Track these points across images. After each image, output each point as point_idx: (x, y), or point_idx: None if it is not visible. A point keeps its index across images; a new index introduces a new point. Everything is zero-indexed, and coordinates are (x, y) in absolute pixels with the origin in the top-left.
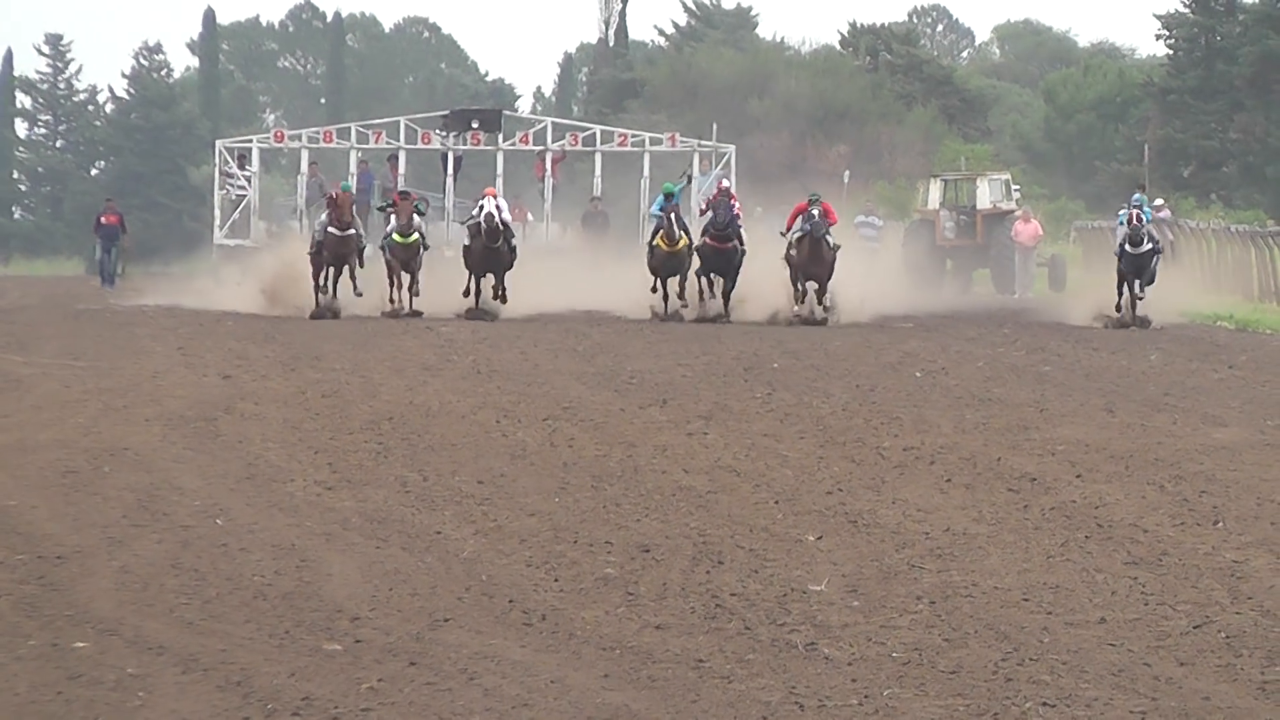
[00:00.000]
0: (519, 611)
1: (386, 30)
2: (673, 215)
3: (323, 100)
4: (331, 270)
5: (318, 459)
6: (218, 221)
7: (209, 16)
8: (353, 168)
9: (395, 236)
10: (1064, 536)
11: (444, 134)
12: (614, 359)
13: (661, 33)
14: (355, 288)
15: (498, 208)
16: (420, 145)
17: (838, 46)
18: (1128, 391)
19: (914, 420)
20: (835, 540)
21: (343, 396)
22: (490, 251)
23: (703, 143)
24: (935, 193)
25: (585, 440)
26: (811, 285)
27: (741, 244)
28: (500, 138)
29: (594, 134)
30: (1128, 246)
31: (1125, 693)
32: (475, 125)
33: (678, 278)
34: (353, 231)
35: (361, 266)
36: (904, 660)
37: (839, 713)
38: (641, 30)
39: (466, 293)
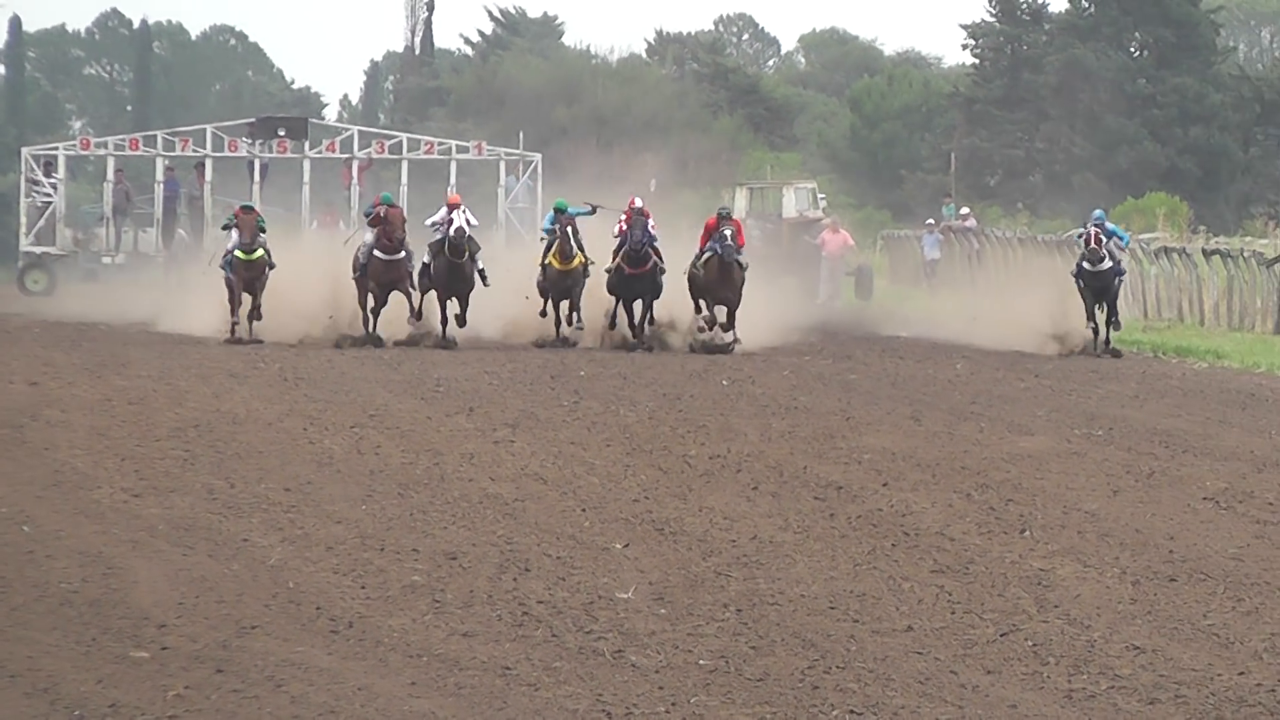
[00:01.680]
0: (326, 619)
1: (193, 38)
2: (569, 229)
3: (129, 108)
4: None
5: (124, 466)
6: (24, 229)
7: (15, 24)
8: (159, 175)
9: (238, 253)
10: (870, 545)
11: (251, 142)
12: (420, 366)
13: (468, 41)
14: (412, 312)
15: (467, 221)
16: (227, 153)
17: (644, 55)
18: (934, 400)
19: (720, 428)
20: (642, 548)
21: (149, 404)
22: (455, 269)
23: (509, 151)
24: (741, 201)
25: (392, 448)
26: (721, 310)
27: (661, 264)
28: (307, 145)
29: (400, 142)
30: (1086, 265)
31: (932, 701)
32: (282, 133)
33: (569, 300)
34: (403, 254)
35: (486, 284)
36: (711, 668)
37: (648, 718)
38: (447, 39)
39: (419, 315)
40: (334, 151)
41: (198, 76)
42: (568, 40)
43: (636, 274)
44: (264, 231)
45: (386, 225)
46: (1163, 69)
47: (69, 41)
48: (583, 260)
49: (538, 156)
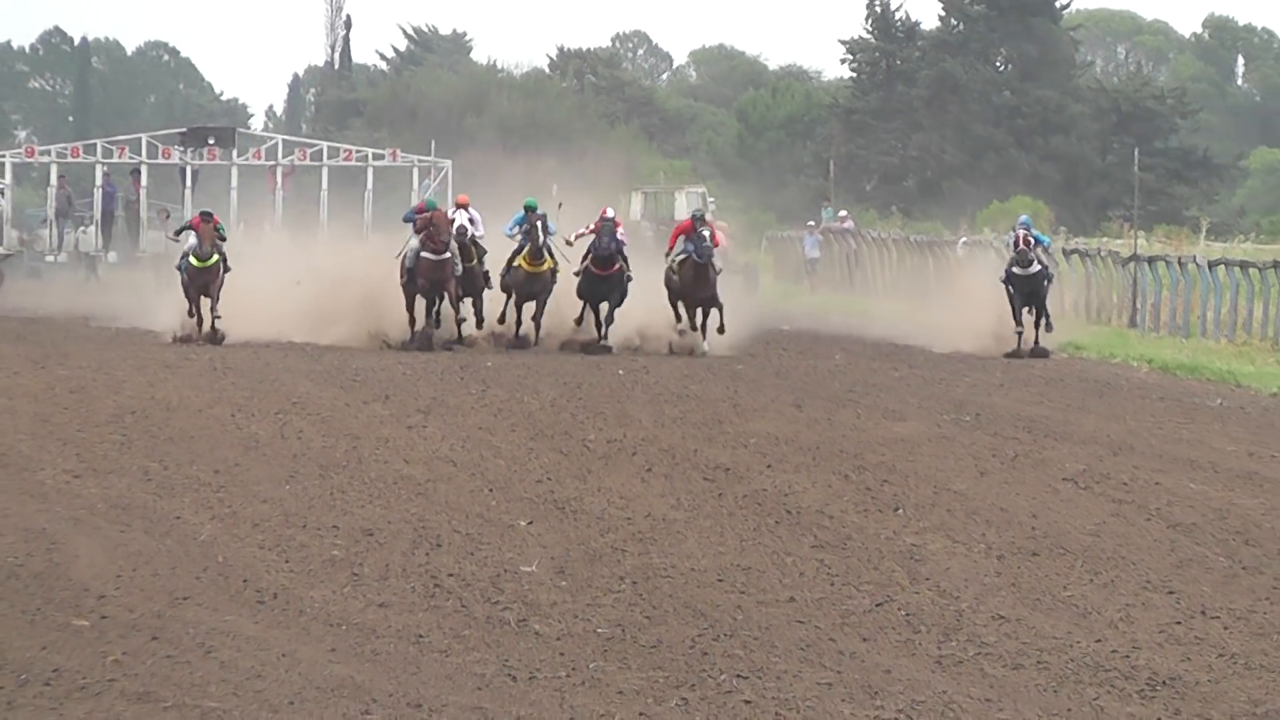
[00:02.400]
0: (252, 590)
1: (129, 53)
2: (539, 226)
3: (70, 118)
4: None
5: (66, 449)
6: None
7: None
8: (98, 181)
9: (193, 259)
10: (755, 522)
11: (183, 149)
12: (339, 357)
13: (383, 57)
14: (456, 313)
15: (471, 220)
16: (161, 160)
17: (547, 69)
18: (814, 389)
19: (617, 415)
20: (545, 525)
21: (89, 392)
22: (466, 272)
23: (422, 158)
24: (637, 204)
25: (313, 433)
26: (700, 313)
27: (627, 268)
28: (235, 153)
29: (321, 150)
30: (1015, 269)
31: (812, 666)
32: (211, 141)
33: (535, 303)
34: (449, 255)
35: (489, 286)
36: (608, 636)
37: (548, 684)
38: (364, 54)
39: (413, 322)
40: (260, 159)
41: (133, 89)
42: (476, 55)
43: (604, 275)
44: (224, 240)
45: (433, 228)
46: (1026, 82)
47: (14, 57)
48: (552, 265)
49: (448, 163)
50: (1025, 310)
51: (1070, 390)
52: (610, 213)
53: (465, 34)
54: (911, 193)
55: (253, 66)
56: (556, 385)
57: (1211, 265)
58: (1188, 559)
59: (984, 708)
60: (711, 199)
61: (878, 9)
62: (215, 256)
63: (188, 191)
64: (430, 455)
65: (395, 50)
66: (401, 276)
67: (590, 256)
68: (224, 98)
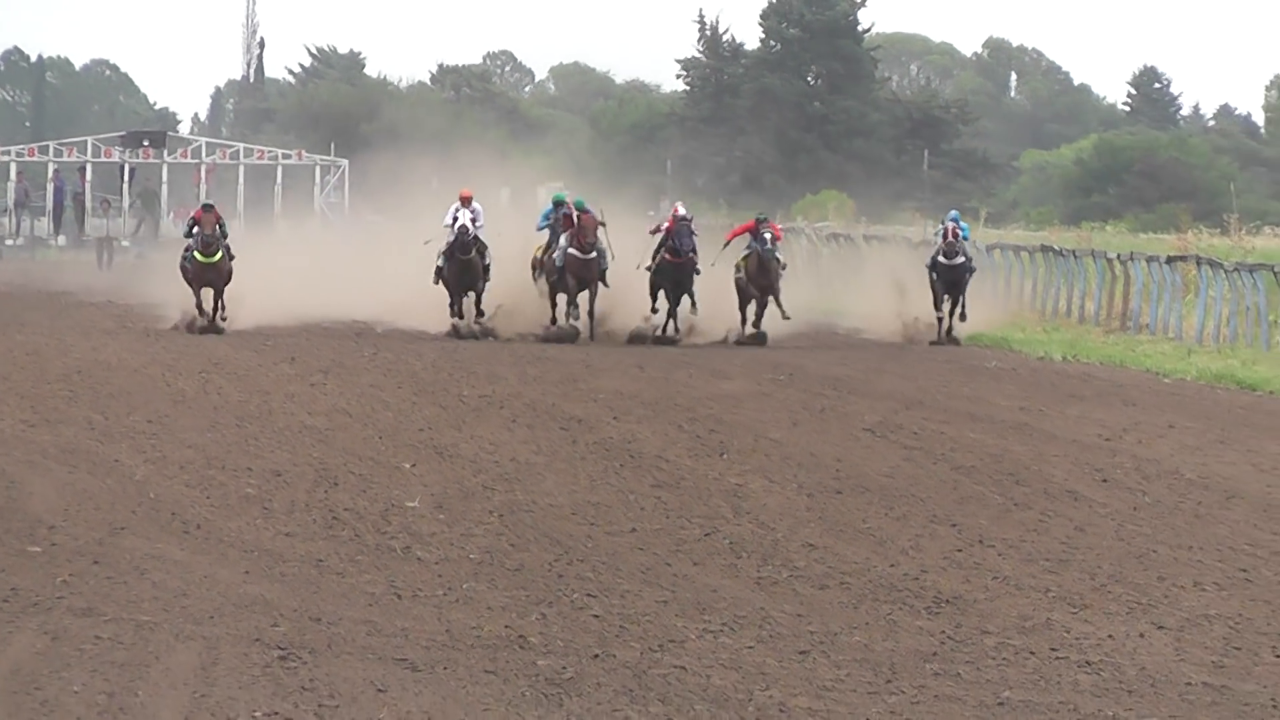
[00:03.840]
0: (179, 522)
1: (78, 69)
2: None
3: (27, 124)
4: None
5: (22, 403)
6: None
7: None
8: (50, 176)
9: (197, 255)
10: (603, 465)
11: (122, 150)
12: (252, 326)
13: (291, 71)
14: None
15: (472, 220)
16: (103, 159)
17: (429, 83)
18: (654, 354)
19: (487, 374)
20: (426, 467)
21: (42, 354)
22: (466, 265)
23: (323, 158)
24: (505, 196)
25: (231, 389)
26: (756, 305)
27: (698, 260)
28: (166, 153)
29: (239, 150)
30: (941, 259)
31: (651, 586)
32: (146, 143)
33: (588, 291)
34: (594, 254)
35: (488, 279)
36: (479, 561)
37: (428, 601)
38: (275, 69)
39: (455, 313)
40: (187, 158)
41: (81, 99)
42: (369, 71)
43: (676, 262)
44: (226, 235)
45: (580, 230)
46: (834, 94)
47: None
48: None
49: (345, 162)
50: (945, 299)
51: (869, 354)
52: (682, 210)
53: (360, 53)
54: (736, 187)
55: (181, 80)
56: (436, 350)
57: (989, 249)
58: (968, 496)
59: (795, 621)
60: (566, 191)
61: (708, 32)
62: (220, 253)
63: (125, 186)
64: (329, 408)
65: (301, 66)
66: (551, 274)
67: (666, 250)
68: (157, 106)
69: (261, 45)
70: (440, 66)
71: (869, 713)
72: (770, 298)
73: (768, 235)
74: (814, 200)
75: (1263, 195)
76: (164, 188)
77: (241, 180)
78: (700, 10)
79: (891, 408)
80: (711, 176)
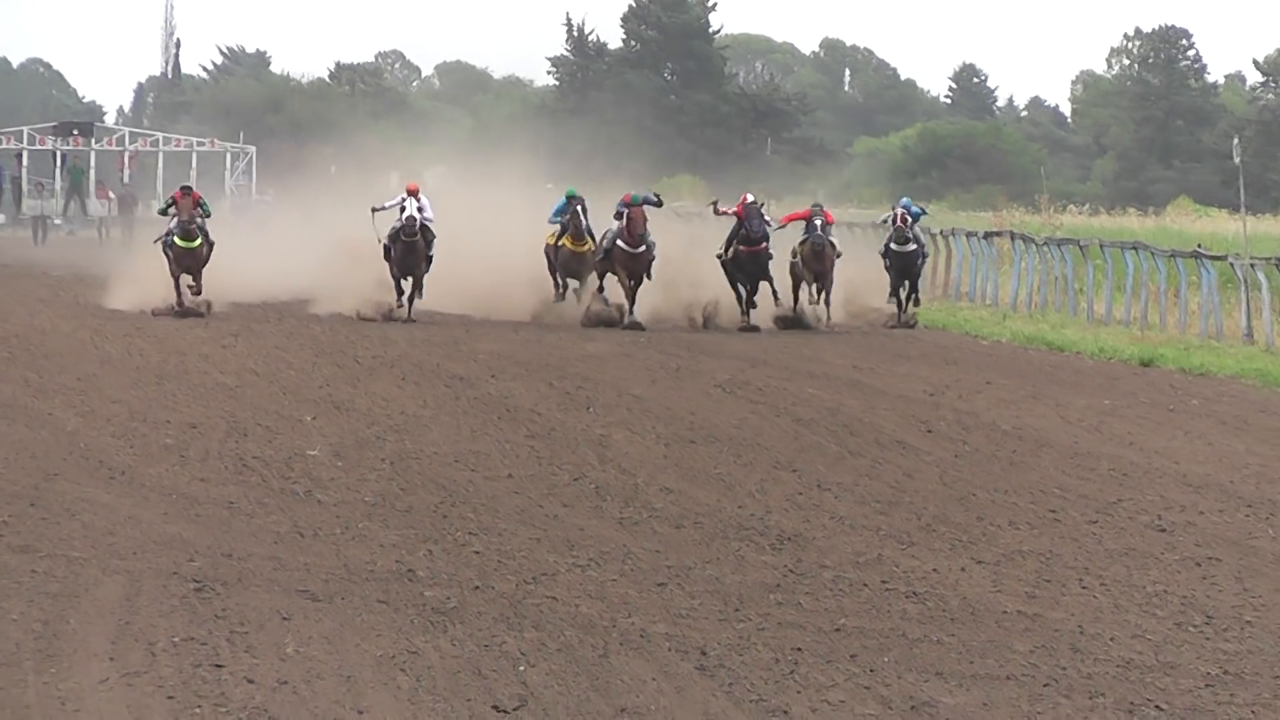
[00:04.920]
0: (106, 469)
1: (15, 66)
2: (580, 211)
3: None
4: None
5: None
6: None
7: None
8: None
9: (178, 240)
10: (483, 418)
11: (55, 138)
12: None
13: (204, 68)
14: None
15: (419, 209)
16: (38, 146)
17: (327, 79)
18: (528, 321)
19: (379, 337)
20: (325, 420)
21: None
22: (409, 247)
23: (233, 145)
24: (394, 179)
25: (151, 350)
26: (817, 288)
27: (769, 248)
28: (94, 141)
29: (158, 139)
30: (893, 245)
31: (526, 526)
32: (76, 132)
33: (577, 279)
34: (643, 248)
35: (649, 277)
36: (373, 503)
37: (328, 539)
38: (191, 66)
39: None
40: (112, 145)
41: (18, 94)
42: (274, 68)
43: (753, 252)
44: (208, 215)
45: (630, 222)
46: (687, 88)
47: None
48: (592, 246)
49: (252, 149)
50: (900, 286)
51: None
52: (751, 198)
53: (266, 52)
54: (601, 171)
55: (107, 77)
56: (334, 315)
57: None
58: (807, 445)
59: (654, 556)
60: (447, 170)
61: (575, 33)
62: (199, 238)
63: (58, 170)
64: (239, 367)
65: (214, 63)
66: (598, 255)
67: (740, 239)
68: (86, 100)
69: (178, 45)
70: (337, 64)
71: (720, 638)
72: (828, 284)
73: (819, 222)
74: (670, 183)
75: (1069, 178)
76: (91, 171)
77: (161, 166)
78: (568, 13)
79: (739, 367)
80: (579, 162)
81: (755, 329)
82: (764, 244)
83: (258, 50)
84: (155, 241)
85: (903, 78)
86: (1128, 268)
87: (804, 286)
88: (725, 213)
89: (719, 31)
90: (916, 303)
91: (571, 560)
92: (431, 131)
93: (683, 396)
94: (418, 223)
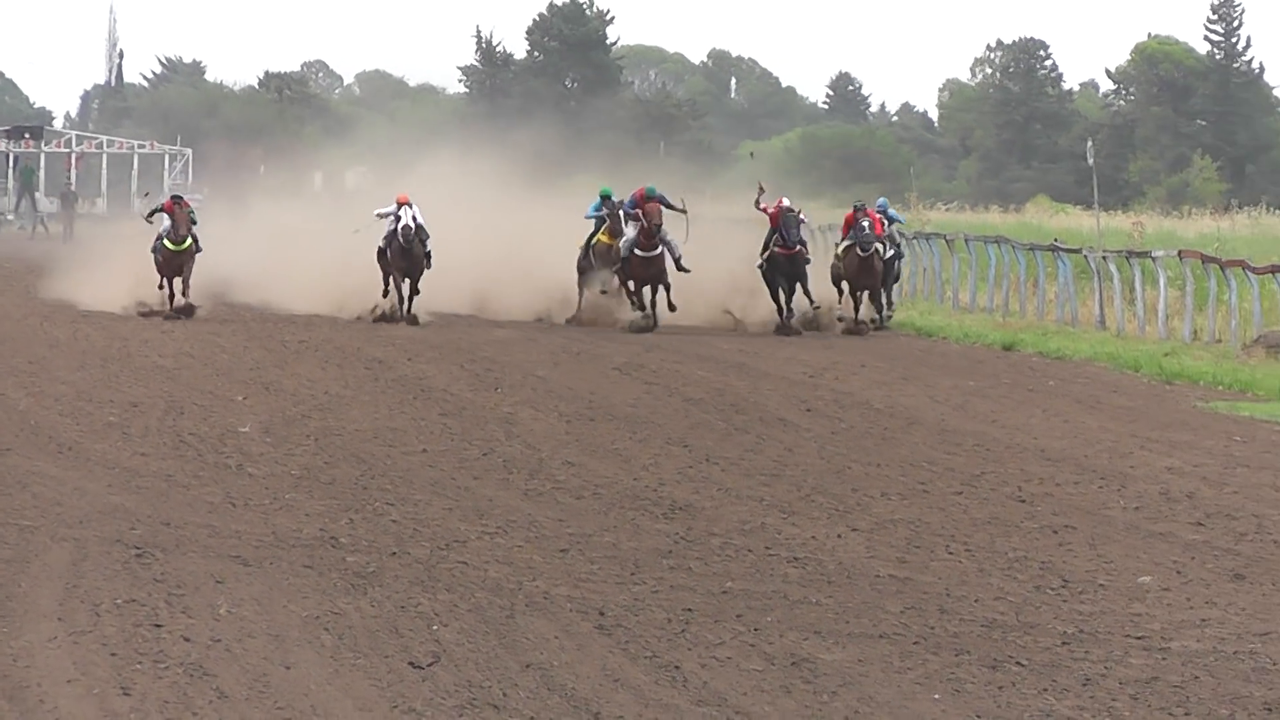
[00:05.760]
0: (55, 444)
1: None
2: (620, 212)
3: None
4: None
5: None
6: None
7: None
8: None
9: (167, 243)
10: (400, 397)
11: (7, 141)
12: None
13: (145, 76)
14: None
15: (414, 218)
16: None
17: (257, 86)
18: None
19: (305, 323)
20: (256, 400)
21: None
22: (406, 252)
23: (171, 148)
24: (318, 179)
25: (96, 336)
26: (863, 296)
27: (807, 252)
28: (43, 143)
29: (103, 142)
30: (859, 250)
31: (439, 496)
32: (27, 135)
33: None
34: (659, 251)
35: (428, 267)
36: (300, 476)
37: (258, 509)
38: (133, 75)
39: (386, 293)
40: (60, 147)
41: None
42: (209, 76)
43: (789, 254)
44: (195, 223)
45: (646, 216)
46: (586, 95)
47: None
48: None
49: (189, 151)
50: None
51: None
52: (787, 202)
53: (202, 61)
54: (507, 172)
55: (56, 84)
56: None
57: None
58: (697, 423)
59: (557, 525)
60: (367, 171)
61: (484, 45)
62: (189, 241)
63: (10, 170)
64: (176, 351)
65: (154, 72)
66: (615, 263)
67: (776, 245)
68: (35, 105)
69: (121, 55)
70: (266, 73)
71: (617, 599)
72: (867, 293)
73: (866, 224)
74: (569, 184)
75: (936, 178)
76: (41, 172)
77: (105, 166)
78: (477, 26)
79: (635, 351)
80: (487, 164)
81: (797, 332)
82: (799, 248)
83: (194, 60)
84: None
85: (784, 85)
86: (990, 260)
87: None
88: (764, 209)
89: (615, 43)
90: (888, 306)
91: (481, 528)
92: (352, 135)
93: (583, 378)
94: (413, 230)
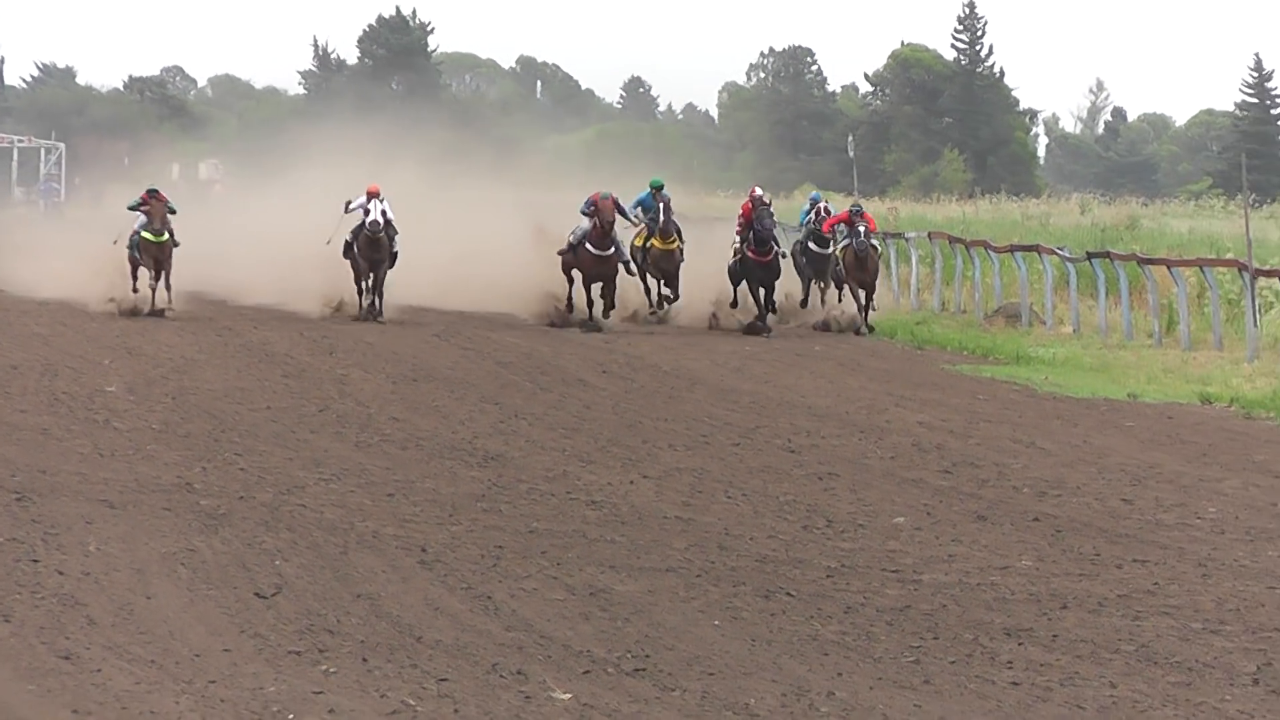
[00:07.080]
0: None
1: None
2: (666, 205)
3: None
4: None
5: None
6: None
7: None
8: None
9: (146, 235)
10: (246, 360)
11: None
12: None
13: (24, 79)
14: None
15: (383, 212)
16: None
17: (122, 88)
18: None
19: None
20: (120, 363)
21: None
22: (374, 244)
23: (45, 142)
24: (176, 170)
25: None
26: (861, 294)
27: (781, 251)
28: None
29: None
30: (812, 245)
31: (281, 448)
32: None
33: (666, 279)
34: (612, 250)
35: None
36: (160, 430)
37: (123, 458)
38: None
39: (360, 291)
40: None
41: None
42: (79, 79)
43: (763, 262)
44: (174, 213)
45: (599, 213)
46: (410, 97)
47: None
48: (679, 244)
49: (62, 146)
50: (817, 284)
51: None
52: (759, 191)
53: (73, 67)
54: (344, 163)
55: None
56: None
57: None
58: (507, 383)
59: (385, 472)
60: (220, 165)
61: (320, 51)
62: (167, 234)
63: None
64: (51, 320)
65: (31, 76)
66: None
67: (749, 247)
68: None
69: (1, 61)
70: (130, 76)
71: (437, 538)
72: (865, 291)
73: (862, 229)
74: (396, 176)
75: (716, 168)
76: None
77: None
78: (314, 35)
79: (452, 320)
80: (325, 158)
81: (769, 330)
82: (773, 248)
83: (67, 65)
84: (115, 243)
85: (583, 87)
86: None
87: (839, 290)
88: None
89: (435, 50)
90: (872, 312)
91: (318, 475)
92: (205, 131)
93: (407, 344)
94: (381, 224)
